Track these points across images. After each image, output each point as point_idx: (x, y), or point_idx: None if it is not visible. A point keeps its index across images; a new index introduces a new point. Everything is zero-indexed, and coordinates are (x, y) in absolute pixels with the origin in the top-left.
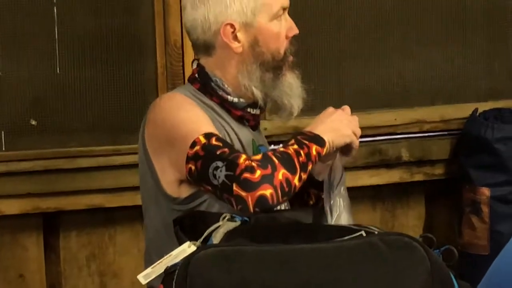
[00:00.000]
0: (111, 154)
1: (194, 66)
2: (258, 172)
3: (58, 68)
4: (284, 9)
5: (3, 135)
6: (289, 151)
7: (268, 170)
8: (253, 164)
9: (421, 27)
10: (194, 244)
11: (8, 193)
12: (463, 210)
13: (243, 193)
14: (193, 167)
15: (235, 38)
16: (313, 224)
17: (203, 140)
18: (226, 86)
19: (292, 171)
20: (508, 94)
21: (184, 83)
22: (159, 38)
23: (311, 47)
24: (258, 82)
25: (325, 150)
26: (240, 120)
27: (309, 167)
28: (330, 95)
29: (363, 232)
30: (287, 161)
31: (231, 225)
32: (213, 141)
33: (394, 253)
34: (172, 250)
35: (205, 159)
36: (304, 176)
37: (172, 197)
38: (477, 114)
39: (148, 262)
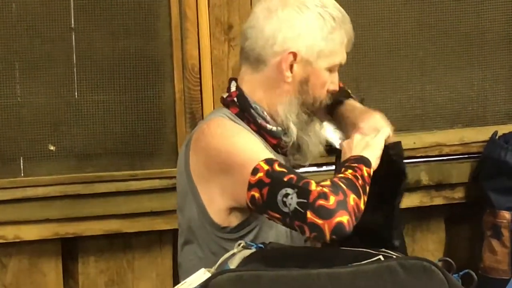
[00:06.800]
0: (129, 179)
1: (233, 88)
2: (333, 199)
3: (76, 93)
4: (340, 65)
5: (21, 160)
6: (349, 177)
7: (341, 196)
8: (326, 190)
9: (440, 50)
10: (209, 271)
11: (26, 218)
12: (483, 234)
13: (319, 221)
14: (257, 195)
15: (291, 68)
16: (330, 248)
17: (265, 166)
18: (265, 114)
19: (358, 195)
20: None
21: (201, 107)
22: (176, 63)
23: None
24: (295, 117)
25: (372, 169)
26: (275, 147)
27: (367, 189)
28: None
29: (381, 257)
30: (352, 186)
31: (247, 252)
32: (276, 167)
33: (413, 277)
34: None
35: (271, 186)
36: (365, 199)
37: (221, 226)
38: (497, 137)
39: None
